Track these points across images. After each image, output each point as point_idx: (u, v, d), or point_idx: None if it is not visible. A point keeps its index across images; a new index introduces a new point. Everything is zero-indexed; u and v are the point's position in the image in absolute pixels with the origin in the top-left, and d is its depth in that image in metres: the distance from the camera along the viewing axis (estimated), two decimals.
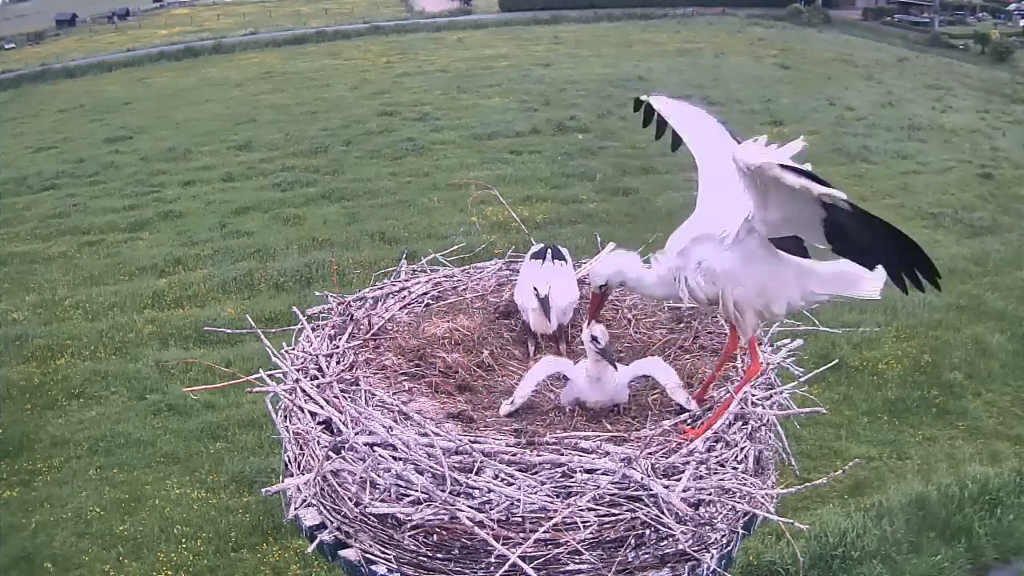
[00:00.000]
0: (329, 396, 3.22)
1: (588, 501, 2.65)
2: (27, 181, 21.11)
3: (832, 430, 10.07)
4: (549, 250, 3.96)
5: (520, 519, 2.65)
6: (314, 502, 2.94)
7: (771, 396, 3.26)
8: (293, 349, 3.57)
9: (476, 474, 2.75)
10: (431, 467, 2.75)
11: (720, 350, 3.51)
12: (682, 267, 2.99)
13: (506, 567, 2.54)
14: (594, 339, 3.20)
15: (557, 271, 3.84)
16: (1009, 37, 41.27)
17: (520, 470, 2.78)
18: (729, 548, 2.85)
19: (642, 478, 2.69)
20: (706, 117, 3.39)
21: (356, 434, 2.94)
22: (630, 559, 2.68)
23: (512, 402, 3.24)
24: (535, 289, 3.64)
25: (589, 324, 3.26)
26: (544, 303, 3.63)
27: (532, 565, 2.56)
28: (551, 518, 2.61)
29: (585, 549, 2.62)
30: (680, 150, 3.46)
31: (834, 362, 4.94)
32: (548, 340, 3.79)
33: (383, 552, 2.76)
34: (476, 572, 2.68)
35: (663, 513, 2.65)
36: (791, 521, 3.01)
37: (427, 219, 16.69)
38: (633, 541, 2.67)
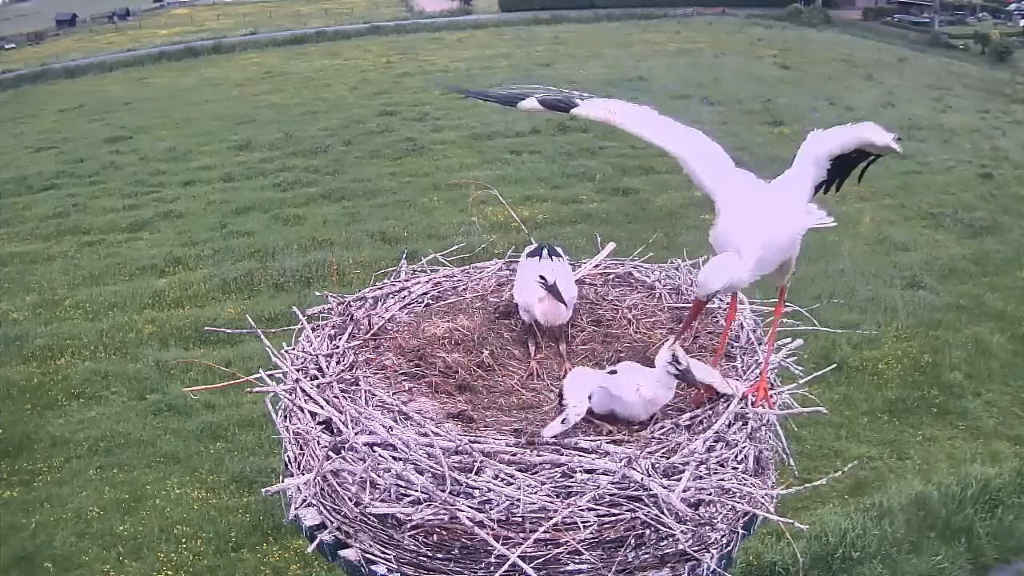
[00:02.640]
0: (329, 396, 3.22)
1: (588, 501, 2.65)
2: (27, 181, 21.09)
3: (832, 430, 10.07)
4: (545, 248, 3.95)
5: (520, 519, 2.65)
6: (314, 502, 2.94)
7: (771, 396, 3.26)
8: (293, 349, 3.57)
9: (476, 474, 2.75)
10: (431, 467, 2.75)
11: (718, 350, 3.53)
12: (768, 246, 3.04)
13: (506, 567, 2.54)
14: (675, 360, 3.02)
15: (557, 266, 3.84)
16: (1009, 37, 41.25)
17: (520, 470, 2.78)
18: (729, 548, 2.85)
19: (642, 478, 2.69)
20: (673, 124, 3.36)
21: (356, 434, 2.94)
22: (630, 559, 2.67)
23: (565, 420, 3.00)
24: (542, 277, 3.62)
25: (676, 341, 3.08)
26: (554, 290, 3.60)
27: (532, 565, 2.56)
28: (551, 518, 2.61)
29: (585, 549, 2.62)
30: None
31: (834, 365, 4.94)
32: (548, 340, 3.78)
33: (383, 552, 2.76)
34: (476, 572, 2.68)
35: (663, 513, 2.65)
36: (791, 521, 3.01)
37: (427, 219, 16.69)
38: (633, 541, 2.67)
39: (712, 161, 3.18)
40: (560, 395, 3.11)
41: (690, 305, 3.93)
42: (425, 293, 4.17)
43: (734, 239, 2.98)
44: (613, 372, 3.18)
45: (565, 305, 3.64)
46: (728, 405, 3.11)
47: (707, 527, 2.76)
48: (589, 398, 3.08)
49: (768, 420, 3.17)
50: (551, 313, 3.64)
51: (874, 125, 3.11)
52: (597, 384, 3.10)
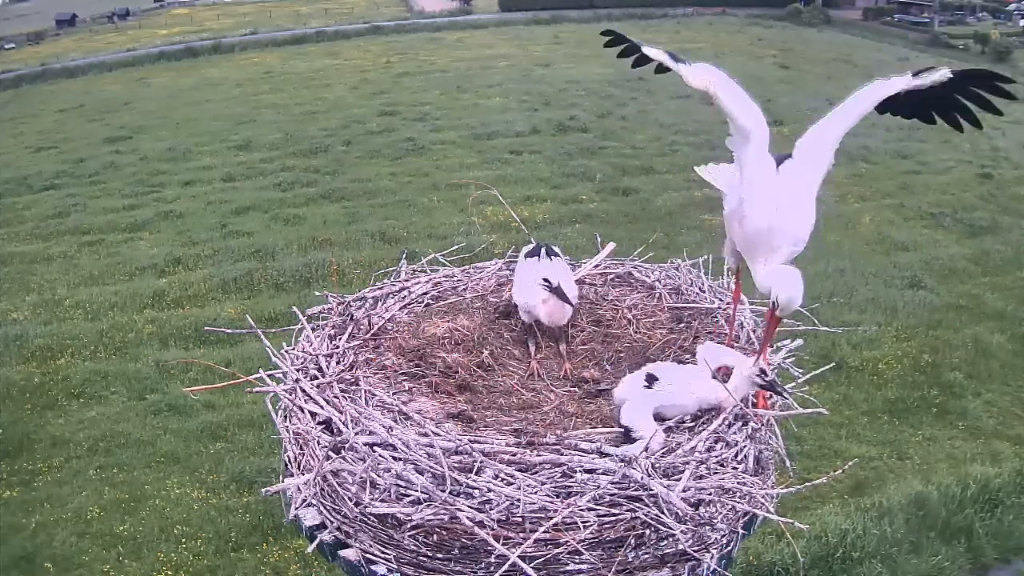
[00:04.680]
0: (329, 396, 3.22)
1: (588, 501, 2.65)
2: (27, 181, 21.10)
3: (832, 430, 10.07)
4: (543, 248, 3.95)
5: (520, 519, 2.64)
6: (314, 502, 2.94)
7: (771, 396, 3.26)
8: (293, 349, 3.57)
9: (476, 474, 2.75)
10: (431, 467, 2.75)
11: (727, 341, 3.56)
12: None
13: (506, 567, 2.54)
14: (763, 373, 3.06)
15: (557, 266, 3.84)
16: (1009, 37, 41.20)
17: (520, 470, 2.78)
18: (729, 548, 2.84)
19: (642, 478, 2.69)
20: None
21: (356, 434, 2.94)
22: (630, 559, 2.67)
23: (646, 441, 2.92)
24: (546, 280, 3.63)
25: (761, 357, 3.09)
26: (559, 292, 3.61)
27: (532, 565, 2.56)
28: (551, 518, 2.61)
29: (585, 549, 2.62)
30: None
31: (832, 364, 4.93)
32: (548, 340, 3.78)
33: (383, 552, 2.76)
34: (476, 572, 2.68)
35: (663, 513, 2.65)
36: (791, 521, 3.00)
37: (427, 219, 16.69)
38: (633, 541, 2.67)
39: (764, 148, 3.19)
40: (624, 428, 3.00)
41: (691, 305, 3.95)
42: (425, 293, 4.17)
43: (764, 239, 3.06)
44: (652, 377, 3.13)
45: (572, 305, 3.65)
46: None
47: (707, 527, 2.76)
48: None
49: (768, 420, 3.16)
50: (556, 313, 3.65)
51: (879, 82, 3.33)
52: (654, 404, 3.06)
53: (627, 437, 2.99)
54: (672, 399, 3.08)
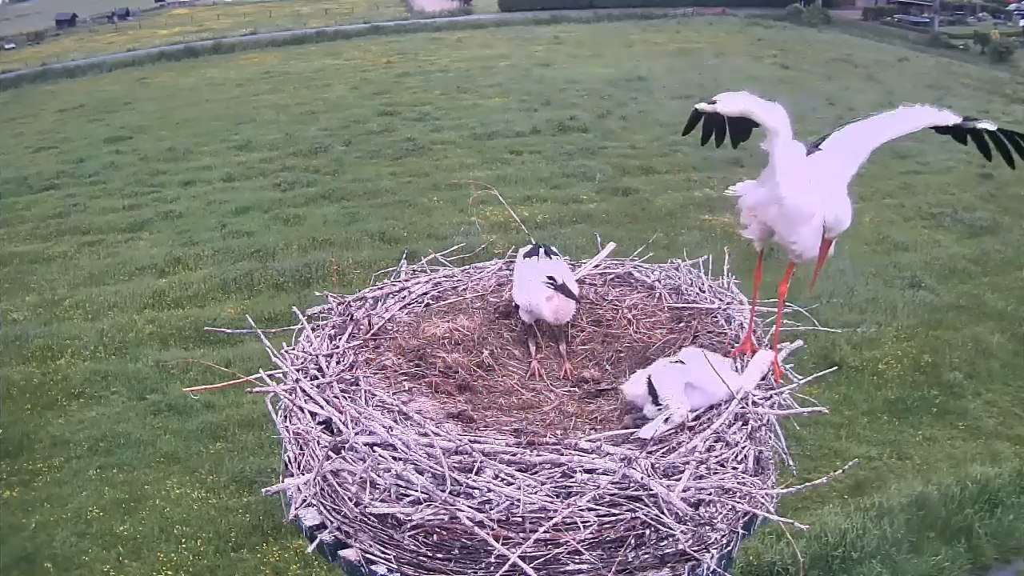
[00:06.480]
0: (329, 396, 3.22)
1: (588, 501, 2.65)
2: (27, 181, 21.10)
3: (832, 430, 10.07)
4: (542, 248, 3.96)
5: (520, 519, 2.64)
6: (314, 502, 2.94)
7: (771, 396, 3.26)
8: (293, 349, 3.57)
9: (476, 474, 2.75)
10: (431, 467, 2.75)
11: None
12: None
13: (506, 567, 2.54)
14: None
15: (557, 265, 3.84)
16: (1009, 37, 41.25)
17: (520, 470, 2.77)
18: (729, 548, 2.84)
19: (642, 478, 2.69)
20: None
21: (356, 434, 2.94)
22: (630, 559, 2.67)
23: (670, 419, 3.02)
24: (551, 278, 3.63)
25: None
26: (564, 288, 3.62)
27: (532, 565, 2.56)
28: (551, 518, 2.61)
29: (585, 549, 2.62)
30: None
31: (834, 368, 4.94)
32: (548, 340, 3.78)
33: (383, 552, 2.76)
34: (476, 572, 2.68)
35: (663, 513, 2.65)
36: (791, 521, 3.01)
37: (427, 219, 16.69)
38: (633, 541, 2.67)
39: (791, 137, 3.30)
40: (652, 394, 3.08)
41: (691, 305, 3.95)
42: (425, 293, 4.17)
43: (807, 212, 3.13)
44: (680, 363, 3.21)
45: (577, 301, 3.65)
46: (728, 404, 3.10)
47: (707, 527, 2.76)
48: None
49: (768, 420, 3.16)
50: (562, 310, 3.66)
51: (928, 109, 3.39)
52: (687, 379, 3.11)
53: (653, 400, 3.06)
54: (704, 383, 3.11)
